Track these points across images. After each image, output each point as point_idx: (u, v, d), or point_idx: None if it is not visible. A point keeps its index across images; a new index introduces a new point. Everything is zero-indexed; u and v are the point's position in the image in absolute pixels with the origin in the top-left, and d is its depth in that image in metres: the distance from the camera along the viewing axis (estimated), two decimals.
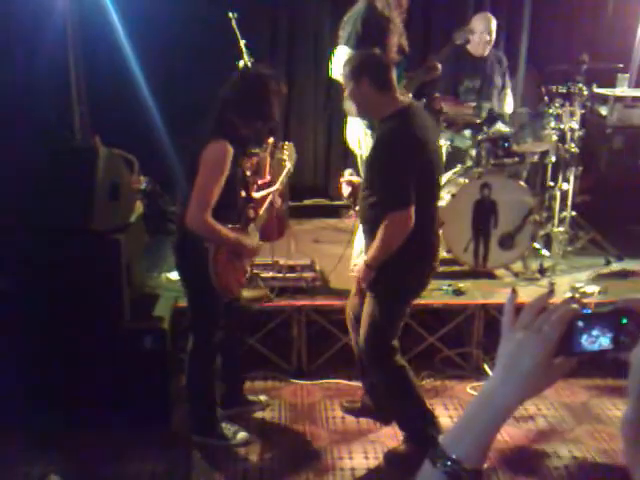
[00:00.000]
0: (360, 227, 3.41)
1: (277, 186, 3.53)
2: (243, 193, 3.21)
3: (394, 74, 3.07)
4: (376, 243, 2.98)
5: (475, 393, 3.82)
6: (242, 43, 4.24)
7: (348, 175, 3.41)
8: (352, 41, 4.04)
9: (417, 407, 3.23)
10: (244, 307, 3.56)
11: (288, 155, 3.62)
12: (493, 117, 4.68)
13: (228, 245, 3.07)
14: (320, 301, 4.05)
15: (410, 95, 4.27)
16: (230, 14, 4.25)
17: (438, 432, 3.23)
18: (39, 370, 3.18)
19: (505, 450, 3.37)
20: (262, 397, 3.73)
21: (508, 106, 5.19)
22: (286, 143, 3.69)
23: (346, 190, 3.37)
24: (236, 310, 3.41)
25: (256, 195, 3.42)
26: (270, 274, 4.15)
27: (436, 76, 4.44)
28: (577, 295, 4.11)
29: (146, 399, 3.45)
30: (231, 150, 2.94)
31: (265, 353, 4.00)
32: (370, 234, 3.09)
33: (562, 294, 4.15)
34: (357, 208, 3.38)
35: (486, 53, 5.07)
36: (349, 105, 4.18)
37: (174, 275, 4.00)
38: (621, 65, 5.05)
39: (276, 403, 3.75)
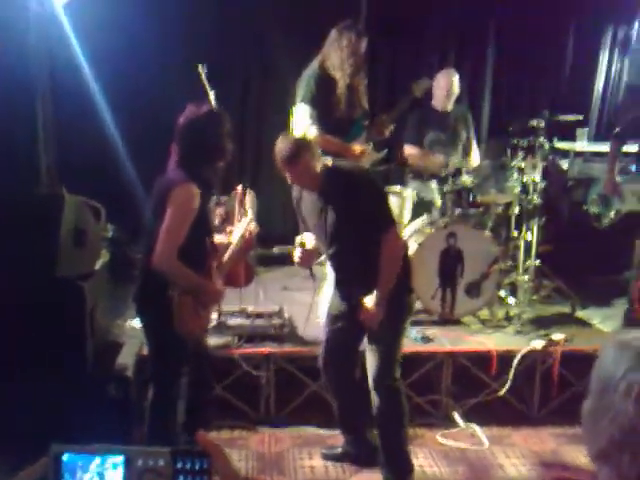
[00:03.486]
0: (335, 283, 3.45)
1: (240, 231, 3.48)
2: (209, 239, 3.18)
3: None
4: (382, 272, 3.09)
5: (445, 441, 3.80)
6: (211, 94, 4.27)
7: (300, 243, 3.38)
8: (307, 99, 4.17)
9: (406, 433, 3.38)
10: (209, 355, 3.50)
11: (249, 203, 3.63)
12: (458, 170, 4.78)
13: (192, 288, 3.03)
14: (289, 348, 4.01)
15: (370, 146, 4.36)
16: (200, 67, 4.27)
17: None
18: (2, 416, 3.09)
19: None
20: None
21: (474, 159, 5.28)
22: (246, 191, 3.66)
23: (302, 258, 3.37)
24: (201, 358, 3.35)
25: (217, 239, 3.37)
26: (238, 321, 4.11)
27: (385, 137, 4.52)
28: (544, 342, 4.15)
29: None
30: (198, 193, 2.94)
31: (232, 401, 3.93)
32: (360, 281, 3.19)
33: (529, 341, 4.18)
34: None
35: (450, 108, 5.20)
36: None
37: (138, 323, 3.94)
38: (581, 117, 5.21)
39: (242, 453, 3.65)
